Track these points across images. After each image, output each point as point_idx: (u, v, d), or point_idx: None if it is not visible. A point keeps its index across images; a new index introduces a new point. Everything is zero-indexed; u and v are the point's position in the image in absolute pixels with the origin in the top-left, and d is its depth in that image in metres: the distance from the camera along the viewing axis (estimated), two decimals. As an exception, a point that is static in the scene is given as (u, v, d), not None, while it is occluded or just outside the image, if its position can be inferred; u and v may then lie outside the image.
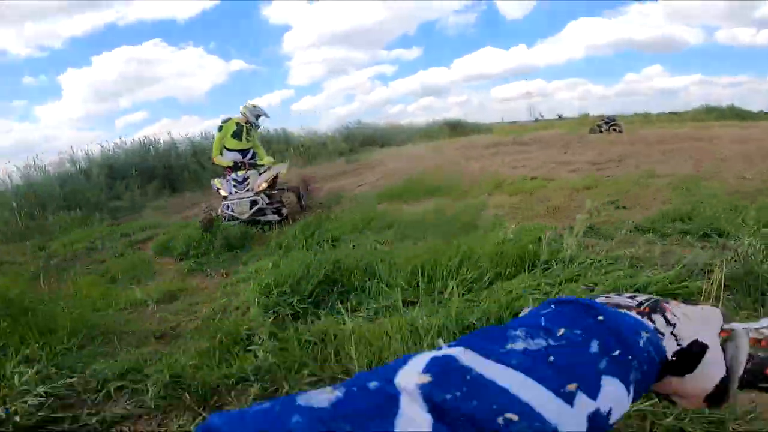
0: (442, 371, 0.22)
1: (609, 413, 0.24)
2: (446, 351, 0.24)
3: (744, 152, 7.86)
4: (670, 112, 30.53)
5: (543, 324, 0.27)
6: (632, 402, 0.27)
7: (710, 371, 0.31)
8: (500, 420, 0.20)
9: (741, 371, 0.32)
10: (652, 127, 20.22)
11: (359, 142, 18.89)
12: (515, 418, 0.20)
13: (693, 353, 0.31)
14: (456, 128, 24.44)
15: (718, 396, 0.32)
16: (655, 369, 0.29)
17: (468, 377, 0.22)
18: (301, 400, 0.20)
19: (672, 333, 0.31)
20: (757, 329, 0.34)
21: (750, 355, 0.32)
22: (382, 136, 20.22)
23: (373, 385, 0.21)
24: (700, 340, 0.32)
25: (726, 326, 0.34)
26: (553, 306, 0.30)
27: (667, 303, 0.34)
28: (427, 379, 0.21)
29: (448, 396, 0.21)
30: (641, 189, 4.97)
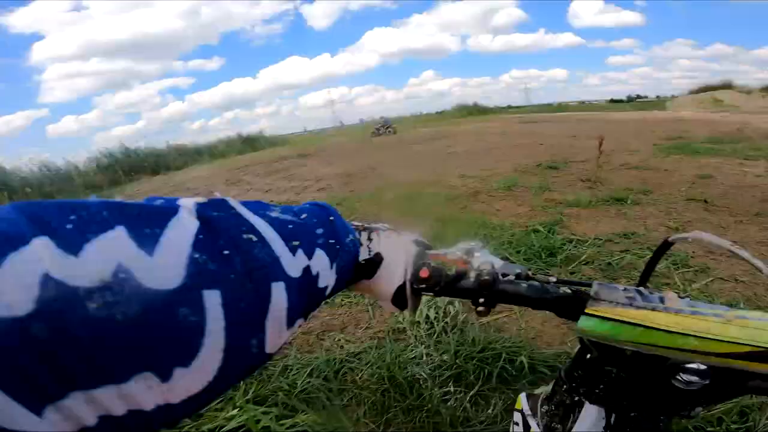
0: (215, 202, 0.28)
1: (318, 276, 0.33)
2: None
3: (480, 148, 9.71)
4: (437, 112, 37.99)
5: (295, 210, 0.36)
6: (337, 283, 0.36)
7: (388, 277, 0.42)
8: (245, 236, 0.27)
9: (406, 279, 0.42)
10: (422, 126, 24.02)
11: (127, 170, 15.44)
12: (254, 239, 0.28)
13: (374, 261, 0.41)
14: (255, 143, 23.19)
15: (400, 300, 0.43)
16: (351, 264, 0.39)
17: (232, 210, 0.29)
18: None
19: (368, 246, 0.42)
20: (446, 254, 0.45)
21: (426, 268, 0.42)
22: (156, 161, 17.11)
23: (159, 202, 0.27)
24: (381, 253, 0.42)
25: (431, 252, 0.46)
26: (308, 205, 0.38)
27: (378, 230, 0.44)
28: (203, 201, 0.28)
29: (215, 214, 0.27)
30: (372, 205, 5.05)
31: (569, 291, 0.40)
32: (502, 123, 19.45)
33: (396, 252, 0.43)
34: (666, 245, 0.49)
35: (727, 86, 27.24)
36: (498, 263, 0.43)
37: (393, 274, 0.42)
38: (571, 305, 0.39)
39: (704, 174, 4.92)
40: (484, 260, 0.43)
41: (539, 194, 4.65)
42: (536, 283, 0.41)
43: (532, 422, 0.51)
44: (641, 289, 0.39)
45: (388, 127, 21.47)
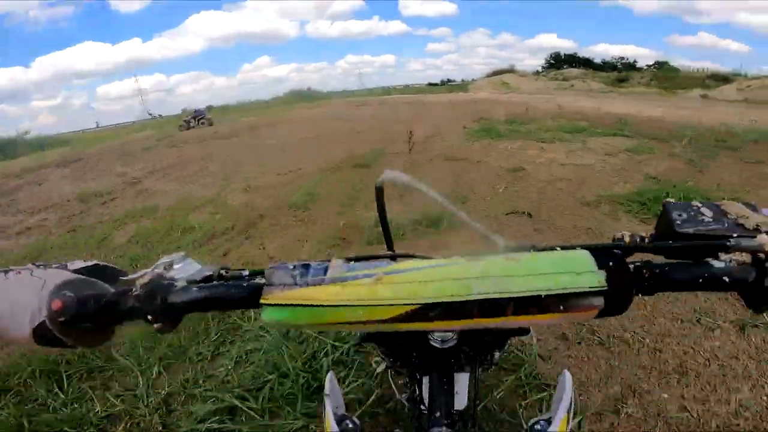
0: None
1: None
2: None
3: (296, 140, 8.03)
4: (269, 99, 34.81)
5: None
6: None
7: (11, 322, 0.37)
8: None
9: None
10: (246, 115, 21.04)
11: None
12: None
13: None
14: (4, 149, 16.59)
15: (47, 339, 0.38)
16: None
17: None
18: None
19: None
20: None
21: None
22: None
23: None
24: None
25: None
26: None
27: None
28: None
29: None
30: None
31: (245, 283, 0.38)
32: (331, 108, 18.31)
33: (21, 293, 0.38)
34: (379, 191, 0.46)
35: (511, 71, 32.40)
36: (192, 269, 0.40)
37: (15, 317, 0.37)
38: (251, 298, 0.36)
39: (516, 167, 4.39)
40: (182, 271, 0.40)
41: (344, 210, 3.32)
42: (218, 282, 0.39)
43: (327, 401, 0.47)
44: (310, 262, 0.35)
45: (201, 119, 17.88)
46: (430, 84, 48.31)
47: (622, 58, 33.12)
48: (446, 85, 44.24)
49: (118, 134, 23.11)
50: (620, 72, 28.82)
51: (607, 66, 33.96)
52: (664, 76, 25.25)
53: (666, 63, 30.73)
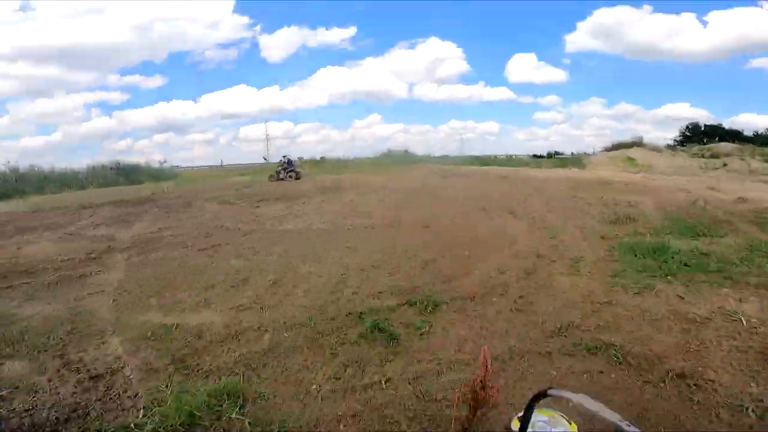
0: None
1: None
2: None
3: (345, 226, 6.39)
4: (365, 157, 35.42)
5: None
6: None
7: None
8: None
9: None
10: (337, 172, 20.98)
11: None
12: None
13: None
14: (130, 174, 19.11)
15: None
16: None
17: None
18: None
19: None
20: None
21: None
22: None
23: None
24: None
25: None
26: None
27: None
28: None
29: None
30: None
31: None
32: (422, 174, 16.82)
33: None
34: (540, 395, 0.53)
35: (638, 144, 27.79)
36: None
37: None
38: None
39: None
40: None
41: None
42: None
43: None
44: None
45: (289, 171, 17.89)
46: (534, 156, 44.72)
47: None
48: (554, 158, 39.94)
49: (215, 176, 24.86)
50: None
51: (760, 139, 26.99)
52: None
53: None
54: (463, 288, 3.65)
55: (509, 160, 35.21)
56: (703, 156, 23.88)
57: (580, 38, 31.25)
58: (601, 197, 8.78)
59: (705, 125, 29.47)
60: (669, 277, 3.52)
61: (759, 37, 24.46)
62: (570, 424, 1.13)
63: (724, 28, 25.13)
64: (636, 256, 4.16)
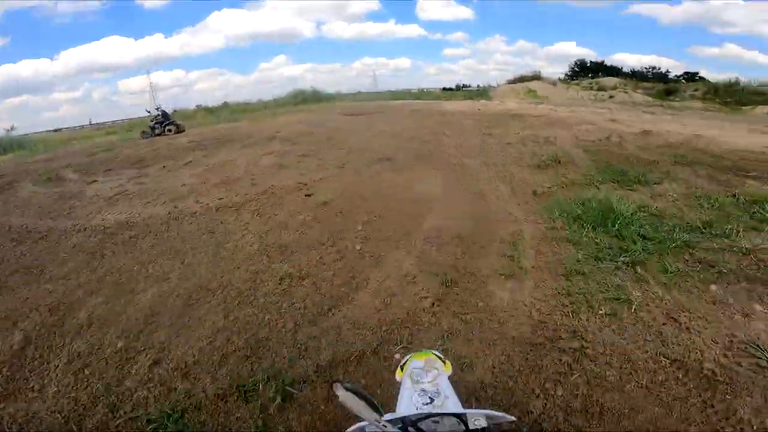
0: None
1: None
2: None
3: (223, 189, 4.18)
4: (271, 99, 31.34)
5: None
6: None
7: None
8: None
9: None
10: (229, 119, 17.50)
11: None
12: None
13: None
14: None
15: None
16: None
17: None
18: None
19: None
20: None
21: None
22: None
23: None
24: None
25: None
26: None
27: None
28: None
29: None
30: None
31: None
32: (323, 115, 14.49)
33: None
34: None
35: (536, 78, 28.27)
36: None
37: None
38: None
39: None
40: None
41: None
42: None
43: None
44: None
45: (167, 124, 14.20)
46: (445, 89, 44.41)
47: (654, 67, 28.57)
48: (462, 90, 40.20)
49: (90, 137, 19.77)
50: (667, 83, 24.53)
51: (637, 75, 29.66)
52: (724, 90, 20.99)
53: (696, 74, 26.40)
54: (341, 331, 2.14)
55: (422, 94, 34.06)
56: (591, 89, 25.22)
57: (488, -22, 30.80)
58: (517, 133, 7.88)
59: (590, 62, 31.48)
60: (639, 271, 2.44)
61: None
62: (444, 364, 1.10)
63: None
64: (584, 228, 3.06)
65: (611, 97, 22.67)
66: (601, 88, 24.99)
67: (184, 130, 14.09)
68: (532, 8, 31.99)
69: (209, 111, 26.83)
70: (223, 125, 14.71)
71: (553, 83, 26.38)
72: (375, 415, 0.66)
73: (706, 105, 19.98)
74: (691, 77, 26.34)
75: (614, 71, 29.78)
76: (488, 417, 0.76)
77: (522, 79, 28.28)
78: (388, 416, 0.74)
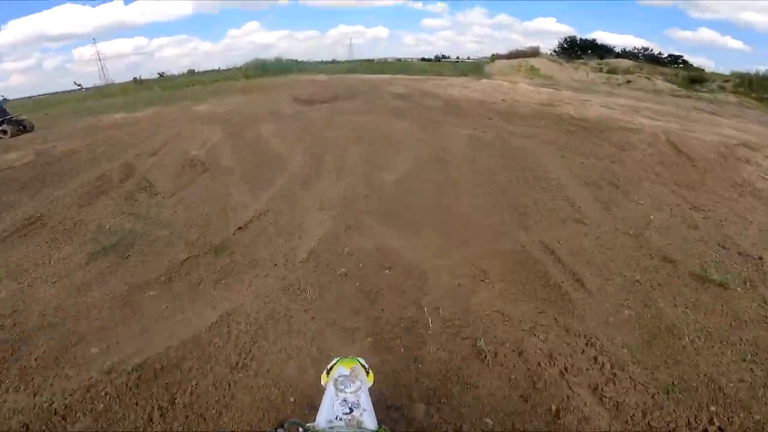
0: None
1: None
2: None
3: None
4: (228, 68, 25.53)
5: None
6: None
7: None
8: None
9: None
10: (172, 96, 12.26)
11: None
12: None
13: None
14: None
15: None
16: None
17: None
18: None
19: None
20: None
21: None
22: None
23: None
24: None
25: None
26: None
27: None
28: None
29: None
30: None
31: None
32: (263, 105, 9.66)
33: None
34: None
35: (535, 53, 23.94)
36: None
37: None
38: None
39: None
40: None
41: None
42: None
43: None
44: None
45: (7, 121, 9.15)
46: (423, 59, 39.31)
47: (646, 48, 25.41)
48: (443, 61, 35.56)
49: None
50: (687, 69, 20.92)
51: (627, 55, 26.06)
52: (759, 83, 17.60)
53: (680, 57, 23.52)
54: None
55: (405, 66, 29.01)
56: (601, 70, 21.37)
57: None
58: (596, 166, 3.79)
59: (580, 39, 27.84)
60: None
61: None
62: (368, 374, 1.17)
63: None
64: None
65: (628, 81, 18.88)
66: (611, 71, 21.12)
67: (31, 130, 9.12)
68: None
69: (142, 85, 21.31)
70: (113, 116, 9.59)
71: (557, 62, 22.16)
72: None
73: (740, 99, 16.61)
74: (674, 60, 23.68)
75: (605, 50, 26.53)
76: None
77: (518, 55, 23.86)
78: (309, 425, 0.84)
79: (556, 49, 25.45)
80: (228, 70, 24.58)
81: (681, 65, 22.75)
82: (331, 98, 9.31)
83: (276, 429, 0.80)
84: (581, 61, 22.80)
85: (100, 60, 25.35)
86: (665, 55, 23.72)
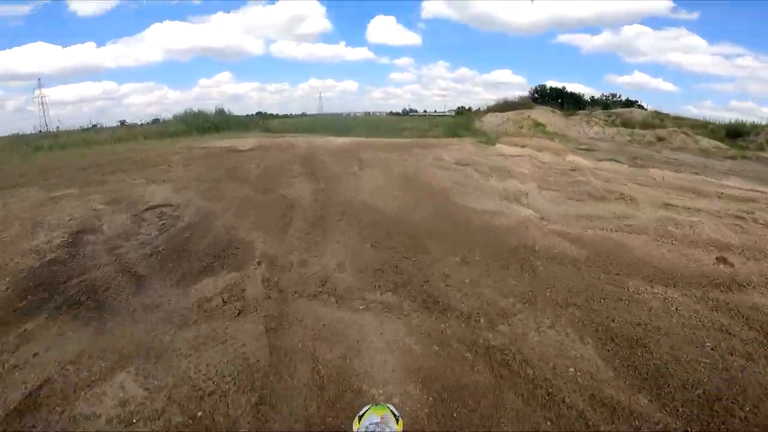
0: None
1: None
2: None
3: None
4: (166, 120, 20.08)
5: None
6: None
7: None
8: None
9: None
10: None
11: None
12: None
13: None
14: None
15: None
16: None
17: None
18: None
19: None
20: None
21: None
22: None
23: None
24: None
25: None
26: None
27: None
28: None
29: None
30: None
31: None
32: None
33: None
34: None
35: (528, 105, 20.02)
36: None
37: None
38: None
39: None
40: None
41: None
42: None
43: None
44: None
45: None
46: (392, 113, 36.19)
47: (614, 94, 23.36)
48: (410, 115, 32.84)
49: None
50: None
51: (599, 103, 23.08)
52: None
53: (636, 102, 21.63)
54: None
55: (372, 121, 24.70)
56: (614, 124, 17.64)
57: (435, 6, 30.33)
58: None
59: (550, 88, 25.49)
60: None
61: (566, 16, 27.02)
62: (398, 422, 1.20)
63: (544, 6, 25.15)
64: None
65: (660, 139, 14.90)
66: (626, 124, 17.36)
67: None
68: (473, 35, 30.92)
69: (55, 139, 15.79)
70: None
71: (562, 115, 18.16)
72: None
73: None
74: (629, 105, 21.53)
75: (576, 98, 23.98)
76: None
77: (513, 106, 19.87)
78: None
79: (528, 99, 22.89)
80: (166, 122, 19.12)
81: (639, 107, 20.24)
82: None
83: None
84: (584, 112, 18.93)
85: (42, 104, 22.93)
86: (623, 100, 21.87)
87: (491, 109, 20.85)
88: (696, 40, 20.84)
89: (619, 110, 18.88)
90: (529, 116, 17.28)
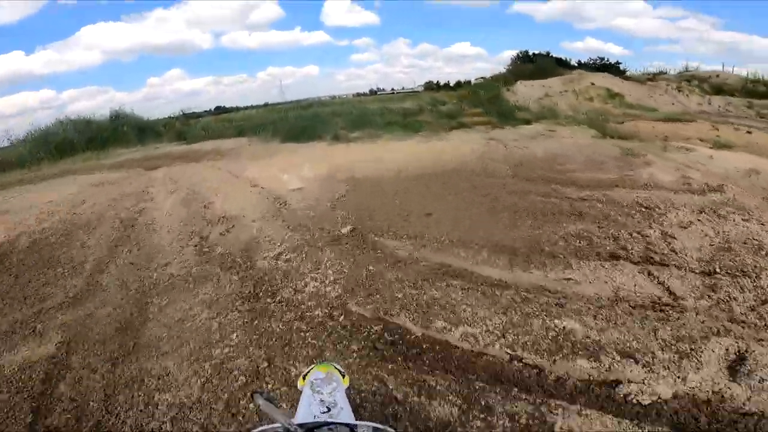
0: None
1: None
2: None
3: None
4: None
5: None
6: None
7: None
8: None
9: None
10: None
11: None
12: None
13: None
14: None
15: None
16: None
17: None
18: None
19: None
20: None
21: None
22: None
23: None
24: None
25: None
26: None
27: None
28: None
29: None
30: None
31: None
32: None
33: None
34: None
35: (606, 66, 14.04)
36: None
37: None
38: None
39: None
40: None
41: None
42: None
43: None
44: None
45: None
46: (358, 94, 29.65)
47: (602, 58, 19.52)
48: (378, 94, 26.74)
49: None
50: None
51: (585, 67, 18.22)
52: None
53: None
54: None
55: (335, 102, 17.78)
56: (705, 91, 12.34)
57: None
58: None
59: (533, 53, 20.67)
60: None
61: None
62: (343, 378, 1.16)
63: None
64: None
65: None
66: (718, 90, 12.13)
67: None
68: (428, 9, 24.72)
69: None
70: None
71: (640, 82, 12.34)
72: (288, 419, 0.75)
73: None
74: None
75: (563, 63, 19.17)
76: (375, 429, 0.83)
77: (539, 74, 13.88)
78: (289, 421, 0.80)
79: (509, 66, 18.00)
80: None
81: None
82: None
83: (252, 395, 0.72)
84: (663, 78, 13.26)
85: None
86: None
87: (524, 76, 14.45)
88: (640, 5, 17.41)
89: (713, 72, 13.38)
90: (593, 83, 11.36)
